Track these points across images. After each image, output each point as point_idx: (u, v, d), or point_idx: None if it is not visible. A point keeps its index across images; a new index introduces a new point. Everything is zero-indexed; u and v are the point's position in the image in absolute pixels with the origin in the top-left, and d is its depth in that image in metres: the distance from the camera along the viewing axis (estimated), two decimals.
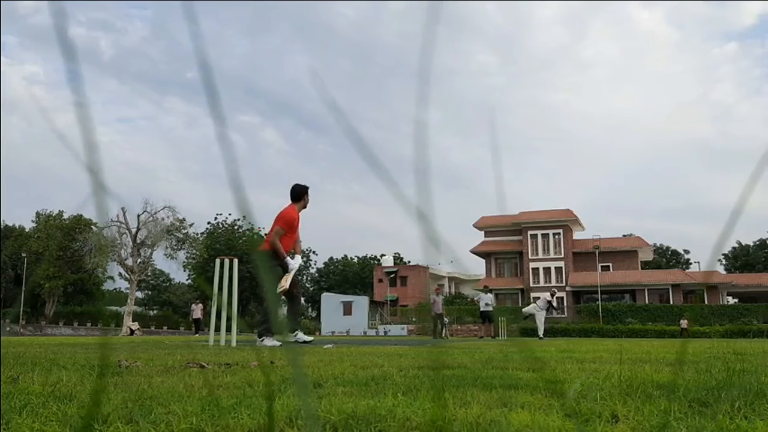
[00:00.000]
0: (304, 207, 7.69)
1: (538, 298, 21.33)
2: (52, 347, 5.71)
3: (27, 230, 55.01)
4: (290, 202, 7.63)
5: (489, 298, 21.60)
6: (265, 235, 7.81)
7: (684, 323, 36.43)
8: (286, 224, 7.45)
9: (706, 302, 47.21)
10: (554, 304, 19.79)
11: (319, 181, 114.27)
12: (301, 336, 7.76)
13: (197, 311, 28.76)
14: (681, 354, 4.53)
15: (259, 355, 4.56)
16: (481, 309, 21.47)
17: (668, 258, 72.14)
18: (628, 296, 50.84)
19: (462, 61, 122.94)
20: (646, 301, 48.56)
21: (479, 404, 1.63)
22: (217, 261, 7.93)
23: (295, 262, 7.44)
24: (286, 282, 7.26)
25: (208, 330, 8.60)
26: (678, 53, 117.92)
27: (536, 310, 19.80)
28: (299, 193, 7.61)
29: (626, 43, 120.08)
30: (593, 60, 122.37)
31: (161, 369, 2.90)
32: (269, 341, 7.30)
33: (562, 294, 49.27)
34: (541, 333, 19.45)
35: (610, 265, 53.25)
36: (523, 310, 20.73)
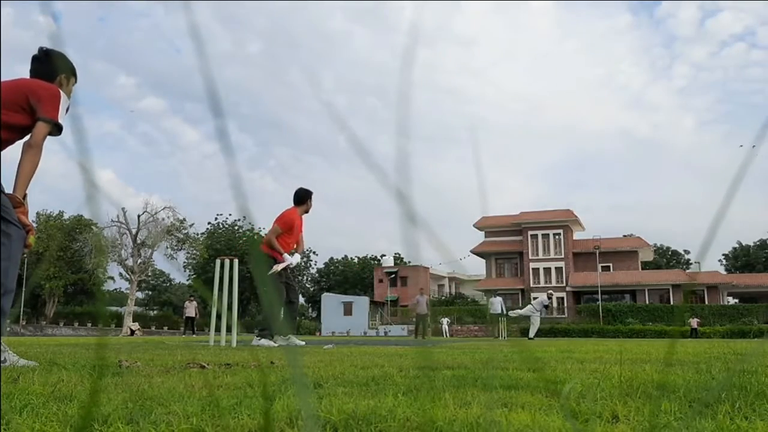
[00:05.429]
0: (306, 211, 7.83)
1: (536, 298, 21.45)
2: (52, 347, 5.71)
3: None
4: (293, 204, 7.77)
5: (498, 301, 22.46)
6: (264, 235, 7.90)
7: (694, 322, 36.27)
8: (285, 225, 7.55)
9: (706, 302, 47.22)
10: (552, 305, 20.12)
11: (317, 180, 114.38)
12: (293, 340, 7.76)
13: (191, 309, 28.10)
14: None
15: (259, 355, 4.57)
16: (494, 312, 22.29)
17: (668, 258, 72.12)
18: (628, 296, 50.84)
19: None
20: (647, 302, 48.56)
21: (479, 404, 1.64)
22: (218, 261, 7.94)
23: (293, 259, 7.53)
24: (276, 269, 7.39)
25: (208, 330, 8.61)
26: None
27: (532, 311, 20.18)
28: (302, 198, 7.75)
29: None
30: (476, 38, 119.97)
31: (161, 369, 2.90)
32: (266, 342, 7.33)
33: (562, 294, 49.28)
34: (532, 334, 19.83)
35: (611, 265, 53.24)
36: (518, 312, 20.91)
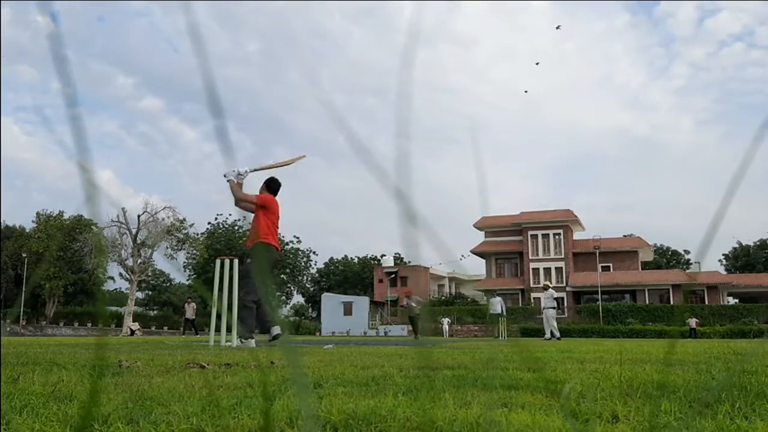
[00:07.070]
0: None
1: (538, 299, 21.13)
2: (52, 347, 5.71)
3: (27, 230, 55.01)
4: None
5: (498, 301, 22.47)
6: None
7: (693, 322, 36.22)
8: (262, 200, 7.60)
9: (706, 302, 47.21)
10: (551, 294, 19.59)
11: (317, 180, 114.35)
12: (250, 342, 7.10)
13: (189, 311, 28.01)
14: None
15: (259, 355, 4.57)
16: (493, 312, 22.32)
17: (668, 258, 72.08)
18: (628, 296, 50.83)
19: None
20: (647, 302, 48.54)
21: (479, 404, 1.63)
22: (218, 261, 7.94)
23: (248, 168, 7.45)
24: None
25: (208, 330, 8.61)
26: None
27: (553, 314, 19.30)
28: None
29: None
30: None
31: (162, 369, 2.90)
32: (253, 342, 7.14)
33: (563, 294, 49.20)
34: (552, 333, 19.08)
35: (611, 265, 53.22)
36: (553, 325, 19.35)
